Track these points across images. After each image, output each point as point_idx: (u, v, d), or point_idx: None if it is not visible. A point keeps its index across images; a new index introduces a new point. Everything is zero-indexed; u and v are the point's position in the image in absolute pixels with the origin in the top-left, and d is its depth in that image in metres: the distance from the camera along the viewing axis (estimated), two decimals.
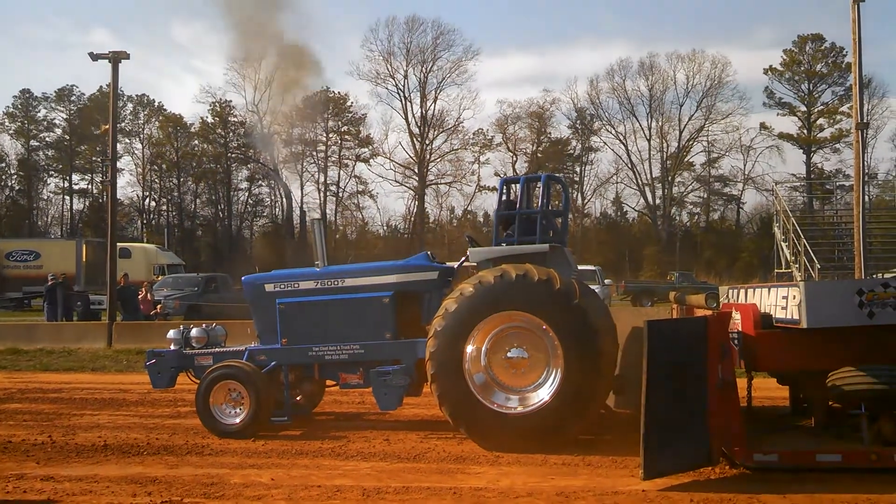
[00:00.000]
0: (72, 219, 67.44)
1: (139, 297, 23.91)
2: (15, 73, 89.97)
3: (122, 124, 62.50)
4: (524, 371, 7.74)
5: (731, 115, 62.06)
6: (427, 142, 63.34)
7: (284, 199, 65.61)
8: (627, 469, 6.85)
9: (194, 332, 9.41)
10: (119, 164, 55.04)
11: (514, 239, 8.30)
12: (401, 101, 63.53)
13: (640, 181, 64.27)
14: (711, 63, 62.23)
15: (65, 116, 67.37)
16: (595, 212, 67.16)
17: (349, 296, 8.73)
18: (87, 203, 68.46)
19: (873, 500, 5.85)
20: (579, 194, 63.90)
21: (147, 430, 9.08)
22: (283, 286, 9.04)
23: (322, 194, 64.83)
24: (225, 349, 9.31)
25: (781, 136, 62.37)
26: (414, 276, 8.69)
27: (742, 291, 7.76)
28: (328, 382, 9.32)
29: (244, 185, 68.27)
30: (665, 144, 63.89)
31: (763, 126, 62.62)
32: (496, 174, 61.85)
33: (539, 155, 63.98)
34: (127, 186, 65.62)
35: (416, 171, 63.21)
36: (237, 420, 8.54)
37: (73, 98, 67.13)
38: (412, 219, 64.41)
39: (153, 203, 68.77)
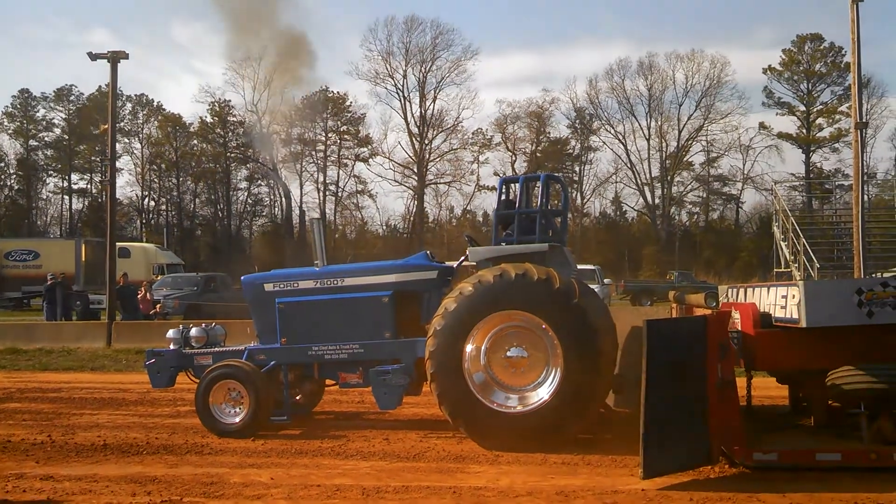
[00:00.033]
0: (71, 218, 67.41)
1: (138, 296, 23.90)
2: (14, 73, 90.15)
3: (122, 124, 62.52)
4: (524, 370, 7.75)
5: (731, 115, 62.19)
6: (426, 141, 63.37)
7: (284, 199, 65.69)
8: (627, 468, 6.85)
9: (194, 331, 9.41)
10: (118, 164, 55.37)
11: (514, 238, 8.30)
12: (400, 100, 63.64)
13: (639, 181, 64.37)
14: (710, 63, 62.35)
15: (64, 116, 67.36)
16: (594, 211, 67.30)
17: (348, 295, 8.73)
18: (86, 203, 68.47)
19: (873, 499, 5.85)
20: (578, 194, 63.95)
21: (146, 429, 9.07)
22: (282, 286, 9.04)
23: (321, 194, 64.91)
24: (224, 349, 9.31)
25: (780, 135, 62.45)
26: (413, 275, 8.69)
27: (741, 291, 7.77)
28: (328, 382, 9.32)
29: (243, 184, 68.36)
30: (664, 144, 64.00)
31: (762, 126, 62.74)
32: (495, 174, 61.98)
33: (538, 154, 63.99)
34: (126, 186, 65.77)
35: (416, 170, 63.23)
36: (237, 419, 8.54)
37: (72, 98, 67.14)
38: (411, 218, 64.44)
39: (152, 203, 68.83)
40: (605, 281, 33.28)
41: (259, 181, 67.27)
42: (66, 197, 68.08)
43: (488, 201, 61.86)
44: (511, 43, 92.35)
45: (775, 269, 25.24)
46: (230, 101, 64.83)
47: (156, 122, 67.73)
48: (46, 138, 67.71)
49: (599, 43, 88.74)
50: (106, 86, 28.96)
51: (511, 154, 64.21)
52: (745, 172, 63.29)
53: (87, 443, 8.32)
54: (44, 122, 67.49)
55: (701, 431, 6.33)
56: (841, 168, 60.53)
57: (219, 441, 8.32)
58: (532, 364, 7.72)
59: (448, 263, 9.14)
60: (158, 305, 24.71)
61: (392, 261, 9.11)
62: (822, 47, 61.65)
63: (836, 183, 58.33)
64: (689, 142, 63.60)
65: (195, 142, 67.61)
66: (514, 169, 62.00)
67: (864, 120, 24.06)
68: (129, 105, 66.36)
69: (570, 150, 66.28)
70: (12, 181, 67.41)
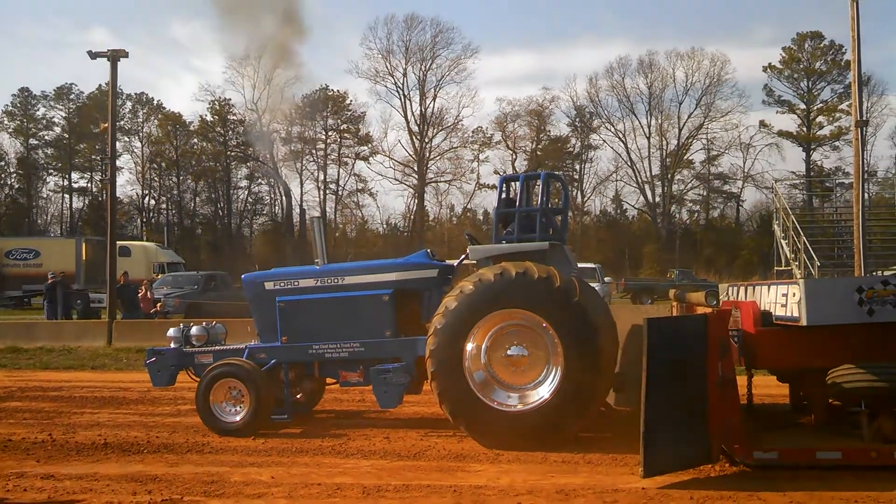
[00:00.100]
0: (71, 217, 67.43)
1: (139, 295, 23.90)
2: (14, 73, 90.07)
3: (122, 123, 62.51)
4: (524, 369, 7.74)
5: (731, 113, 62.20)
6: (426, 140, 63.37)
7: (284, 198, 65.70)
8: (627, 467, 6.85)
9: (194, 330, 9.41)
10: (118, 163, 55.30)
11: (514, 237, 8.30)
12: (400, 99, 63.66)
13: (639, 179, 64.36)
14: (711, 61, 62.33)
15: (64, 115, 67.36)
16: (595, 209, 67.27)
17: (349, 294, 8.73)
18: (86, 201, 68.48)
19: (873, 498, 5.85)
20: (579, 192, 63.94)
21: (147, 428, 9.08)
22: (282, 284, 9.04)
23: (321, 192, 64.92)
24: (225, 347, 9.31)
25: (781, 133, 62.45)
26: (414, 273, 8.68)
27: (742, 289, 7.76)
28: (328, 380, 9.32)
29: (244, 183, 68.38)
30: (664, 142, 63.98)
31: (762, 124, 62.73)
32: (496, 172, 61.94)
33: (538, 153, 63.99)
34: (126, 185, 65.81)
35: (416, 169, 63.23)
36: (237, 418, 8.54)
37: (72, 96, 67.16)
38: (412, 217, 64.44)
39: (153, 201, 68.85)
40: (606, 279, 33.30)
41: (259, 180, 67.33)
42: (67, 196, 68.14)
43: (489, 200, 61.96)
44: (511, 41, 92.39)
45: (776, 268, 25.22)
46: (230, 99, 64.96)
47: (156, 121, 67.77)
48: (47, 137, 67.75)
49: (600, 41, 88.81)
50: (106, 84, 28.95)
51: (511, 152, 64.30)
52: (746, 171, 63.40)
53: (88, 442, 8.32)
54: (44, 121, 67.54)
55: (701, 430, 6.32)
56: (841, 166, 60.62)
57: (219, 440, 8.32)
58: (532, 362, 7.72)
59: (448, 262, 9.14)
60: (159, 304, 24.71)
61: (392, 259, 9.11)
62: (822, 45, 61.63)
63: (837, 181, 58.33)
64: (690, 140, 63.63)
65: (195, 140, 67.63)
66: (514, 167, 62.05)
67: (864, 118, 24.04)
68: (129, 104, 66.40)
69: (571, 149, 66.28)
70: (13, 180, 67.46)
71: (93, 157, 66.06)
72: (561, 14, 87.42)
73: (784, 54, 62.70)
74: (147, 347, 9.74)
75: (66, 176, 67.66)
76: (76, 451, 7.91)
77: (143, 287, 24.61)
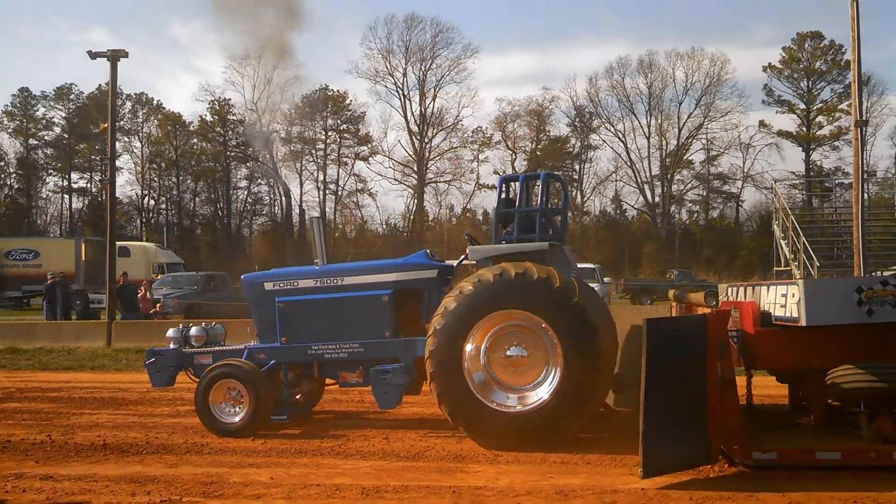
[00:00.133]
0: (71, 217, 67.42)
1: (138, 295, 23.89)
2: (14, 73, 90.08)
3: (121, 123, 62.52)
4: (523, 369, 7.74)
5: (731, 113, 62.18)
6: (426, 140, 63.37)
7: (283, 198, 65.70)
8: (627, 467, 6.85)
9: (193, 330, 9.40)
10: (118, 163, 55.35)
11: (514, 237, 8.29)
12: (400, 99, 63.67)
13: (639, 179, 64.37)
14: (710, 61, 62.33)
15: (63, 115, 67.37)
16: (594, 210, 67.27)
17: (348, 294, 8.73)
18: (86, 202, 68.47)
19: (873, 498, 5.85)
20: (578, 192, 63.93)
21: (146, 429, 9.07)
22: (282, 285, 9.04)
23: (321, 193, 64.91)
24: (224, 348, 9.31)
25: (780, 133, 62.44)
26: (413, 274, 8.68)
27: (741, 289, 7.76)
28: (327, 381, 9.32)
29: (243, 183, 68.39)
30: (664, 142, 63.98)
31: (762, 124, 62.72)
32: (495, 172, 61.95)
33: (538, 153, 63.99)
34: (126, 185, 65.82)
35: (416, 169, 63.23)
36: (236, 419, 8.54)
37: (71, 97, 67.16)
38: (411, 217, 64.44)
39: (152, 202, 68.85)
40: (605, 280, 33.32)
41: (259, 180, 67.34)
42: (66, 196, 68.14)
43: (488, 200, 61.96)
44: (511, 41, 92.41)
45: (775, 268, 25.23)
46: (230, 99, 64.97)
47: (155, 121, 67.78)
48: (46, 137, 67.75)
49: (599, 41, 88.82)
50: (106, 84, 28.96)
51: (511, 152, 64.30)
52: (745, 171, 63.40)
53: (87, 442, 8.32)
54: (44, 121, 67.55)
55: (700, 430, 6.32)
56: (841, 166, 60.62)
57: (218, 440, 8.31)
58: (532, 363, 7.71)
59: (448, 262, 9.14)
60: (158, 304, 24.72)
61: (392, 260, 9.10)
62: (822, 45, 61.64)
63: (836, 181, 58.32)
64: (689, 140, 63.63)
65: (195, 140, 67.64)
66: (514, 167, 62.05)
67: (864, 118, 24.06)
68: (128, 104, 66.42)
69: (570, 149, 66.28)
70: (12, 180, 67.46)
71: (92, 157, 66.05)
72: (561, 14, 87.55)
73: (784, 54, 62.74)
74: (146, 348, 9.73)
75: (66, 176, 67.69)
76: (75, 452, 7.91)
77: (142, 287, 24.61)
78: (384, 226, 66.64)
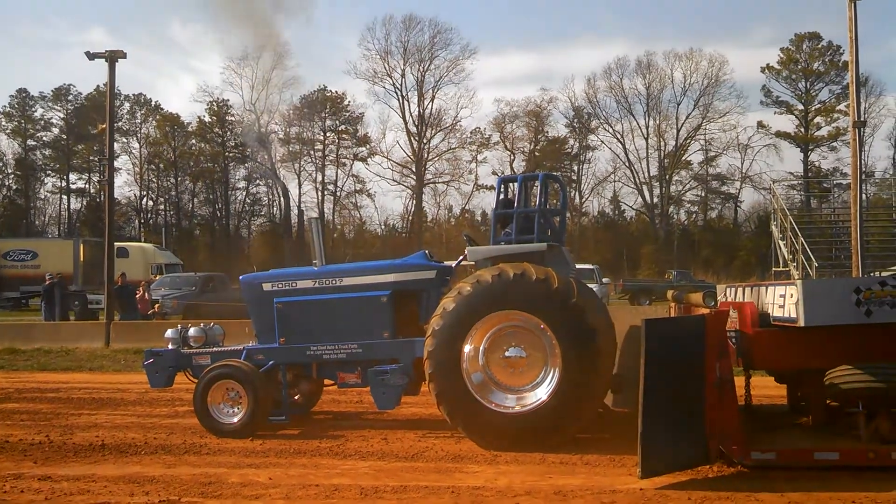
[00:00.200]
0: (69, 218, 67.34)
1: (137, 296, 23.87)
2: (13, 73, 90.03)
3: (119, 123, 62.46)
4: (522, 370, 7.74)
5: (729, 114, 62.13)
6: (424, 141, 63.35)
7: (282, 199, 65.56)
8: (625, 468, 6.86)
9: (192, 331, 9.40)
10: (116, 164, 55.33)
11: (512, 238, 8.30)
12: (398, 99, 63.62)
13: (637, 180, 64.36)
14: (709, 61, 62.32)
15: (62, 116, 67.25)
16: (593, 210, 67.24)
17: (347, 295, 8.73)
18: (84, 202, 68.39)
19: (871, 498, 5.85)
20: (577, 193, 63.92)
21: (145, 429, 9.07)
22: (280, 285, 9.04)
23: (320, 193, 64.86)
24: (223, 349, 9.31)
25: (779, 134, 62.44)
26: (412, 275, 8.68)
27: (740, 290, 7.77)
28: (326, 382, 9.31)
29: (242, 184, 68.28)
30: (662, 143, 63.98)
31: (760, 124, 62.70)
32: (494, 173, 61.96)
33: (537, 154, 63.98)
34: (124, 186, 65.67)
35: (414, 169, 63.22)
36: (235, 419, 8.54)
37: (69, 97, 67.04)
38: (410, 218, 64.42)
39: (150, 202, 68.76)
40: (604, 280, 33.30)
41: (257, 181, 67.29)
42: (65, 197, 68.07)
43: (487, 200, 61.93)
44: (509, 42, 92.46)
45: (773, 268, 25.27)
46: (228, 100, 64.94)
47: (154, 122, 67.69)
48: (44, 138, 67.62)
49: (598, 42, 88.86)
50: (104, 85, 28.95)
51: (509, 153, 64.27)
52: (744, 171, 63.35)
53: (86, 443, 8.31)
54: (42, 122, 67.44)
55: (699, 431, 6.33)
56: (839, 167, 60.62)
57: (217, 441, 8.31)
58: (530, 364, 7.72)
59: (446, 263, 9.14)
60: (157, 305, 24.69)
61: (390, 260, 9.11)
62: (820, 46, 61.65)
63: (835, 182, 58.21)
64: (688, 141, 63.62)
65: (193, 141, 67.55)
66: (512, 168, 62.03)
67: (862, 119, 24.09)
68: (127, 104, 66.36)
69: (569, 150, 66.27)
70: (10, 181, 67.36)
71: (91, 157, 66.03)
72: (560, 14, 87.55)
73: (782, 55, 62.76)
74: (145, 349, 9.73)
75: (64, 177, 67.60)
76: (74, 453, 7.91)
77: (140, 288, 24.59)
78: (383, 226, 66.71)
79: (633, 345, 7.70)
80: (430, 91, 63.11)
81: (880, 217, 32.69)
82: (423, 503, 6.07)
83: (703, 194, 65.33)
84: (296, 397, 9.35)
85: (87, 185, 68.25)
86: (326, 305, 8.74)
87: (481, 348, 7.80)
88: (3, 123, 66.42)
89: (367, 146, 64.88)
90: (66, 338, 19.71)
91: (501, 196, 8.81)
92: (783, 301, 6.49)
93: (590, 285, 9.11)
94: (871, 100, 58.41)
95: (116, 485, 6.65)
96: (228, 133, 66.05)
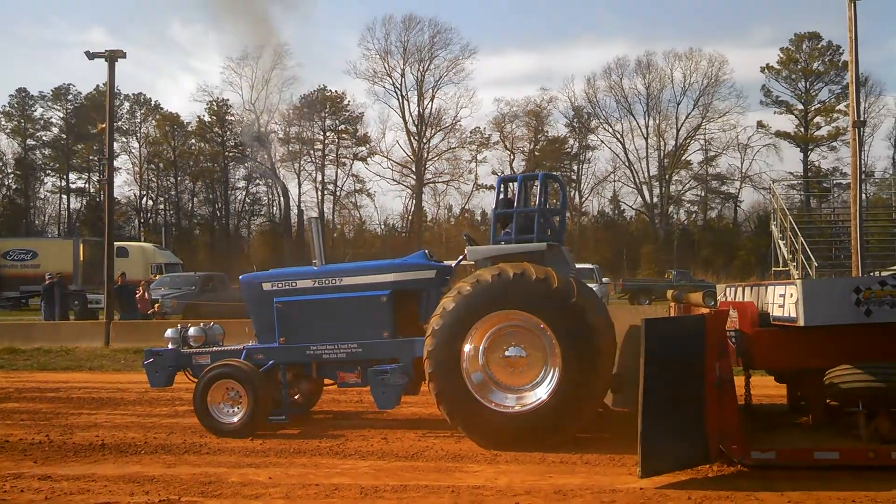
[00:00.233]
0: (69, 218, 67.33)
1: (137, 296, 23.87)
2: (14, 73, 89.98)
3: (119, 123, 62.43)
4: (522, 370, 7.74)
5: (729, 114, 62.13)
6: (424, 140, 63.34)
7: (282, 198, 65.57)
8: (625, 467, 6.86)
9: (192, 331, 9.40)
10: (116, 163, 55.22)
11: (512, 237, 8.30)
12: (398, 99, 63.61)
13: (637, 179, 64.35)
14: (708, 61, 62.31)
15: (61, 115, 67.23)
16: (592, 210, 67.23)
17: (347, 294, 8.72)
18: (84, 202, 68.38)
19: (871, 498, 5.86)
20: (577, 193, 63.91)
21: (145, 429, 9.07)
22: (280, 285, 9.03)
23: (319, 193, 64.84)
24: (223, 348, 9.30)
25: (778, 134, 62.42)
26: (411, 274, 8.68)
27: (739, 289, 7.77)
28: (326, 381, 9.31)
29: (241, 183, 68.27)
30: (662, 143, 63.97)
31: (760, 124, 62.69)
32: (493, 173, 61.94)
33: (536, 153, 63.97)
34: (124, 185, 65.66)
35: (414, 169, 63.21)
36: (235, 419, 8.54)
37: (69, 97, 67.02)
38: (410, 217, 64.42)
39: (150, 202, 68.75)
40: (604, 280, 33.31)
41: (257, 180, 67.28)
42: (64, 196, 68.05)
43: (486, 200, 61.93)
44: (509, 42, 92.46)
45: (773, 268, 25.26)
46: (228, 100, 64.94)
47: (154, 122, 67.67)
48: (44, 137, 67.59)
49: (598, 42, 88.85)
50: (104, 85, 28.95)
51: (509, 153, 64.26)
52: (744, 171, 63.35)
53: (85, 442, 8.31)
54: (41, 122, 67.41)
55: (699, 430, 6.33)
56: (839, 167, 60.62)
57: (217, 440, 8.31)
58: (530, 363, 7.72)
59: (446, 262, 9.14)
60: (157, 305, 24.69)
61: (390, 260, 9.11)
62: (819, 46, 61.65)
63: (834, 181, 58.23)
64: (688, 140, 63.62)
65: (193, 141, 67.54)
66: (512, 168, 62.02)
67: (861, 118, 24.10)
68: (126, 104, 66.33)
69: (569, 149, 66.25)
70: (10, 180, 67.35)
71: (90, 157, 66.01)
72: (559, 14, 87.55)
73: (782, 55, 62.75)
74: (145, 348, 9.73)
75: (64, 176, 67.58)
76: (73, 452, 7.91)
77: (140, 288, 24.58)
78: (382, 226, 66.69)
79: (632, 344, 7.70)
80: (430, 91, 63.19)
81: (880, 217, 32.68)
82: (422, 502, 6.07)
83: (702, 194, 65.34)
84: (296, 397, 9.35)
85: (86, 185, 68.31)
86: (326, 305, 8.74)
87: (481, 348, 7.80)
88: (3, 123, 66.46)
89: (367, 146, 64.95)
90: (65, 337, 19.70)
91: (501, 196, 8.81)
92: (783, 301, 6.50)
93: (589, 285, 9.12)
94: (870, 100, 58.46)
95: (116, 484, 6.65)
96: (228, 133, 66.07)
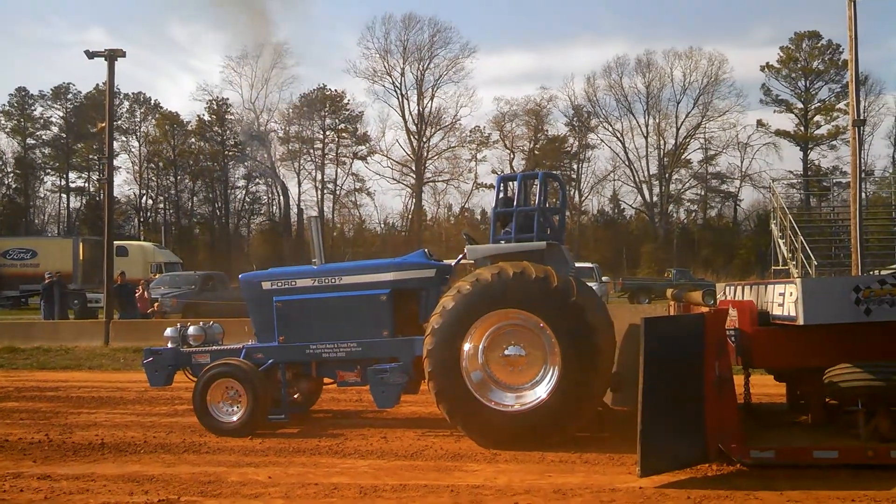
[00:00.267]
0: (69, 217, 67.35)
1: (136, 295, 23.86)
2: (14, 72, 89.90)
3: (119, 122, 62.43)
4: (521, 369, 7.74)
5: (728, 113, 62.22)
6: (424, 139, 63.36)
7: (281, 197, 65.62)
8: (625, 466, 6.85)
9: (191, 330, 9.40)
10: (116, 162, 55.17)
11: (512, 236, 8.29)
12: (398, 98, 63.63)
13: (637, 178, 64.39)
14: (708, 60, 62.40)
15: (61, 114, 67.25)
16: (592, 209, 67.27)
17: (346, 293, 8.72)
18: (83, 201, 68.40)
19: (870, 497, 5.85)
20: (576, 191, 63.95)
21: (144, 428, 9.07)
22: (280, 284, 9.03)
23: (319, 192, 64.87)
24: (222, 347, 9.30)
25: (778, 133, 62.47)
26: (411, 273, 8.68)
27: (739, 288, 7.77)
28: (326, 380, 9.31)
29: (241, 182, 68.30)
30: (662, 142, 64.03)
31: (760, 123, 62.77)
32: (493, 172, 61.96)
33: (536, 152, 63.99)
34: (124, 184, 65.73)
35: (414, 168, 63.22)
36: (234, 418, 8.54)
37: (69, 96, 67.05)
38: (409, 216, 64.45)
39: (150, 201, 68.77)
40: (604, 279, 33.34)
41: (257, 179, 67.29)
42: (64, 195, 68.08)
43: (486, 199, 61.97)
44: (509, 41, 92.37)
45: (773, 267, 25.27)
46: (228, 98, 64.94)
47: (153, 121, 67.68)
48: (44, 137, 67.61)
49: (597, 41, 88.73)
50: (103, 84, 28.94)
51: (509, 152, 64.31)
52: (743, 170, 63.43)
53: (85, 442, 8.31)
54: (41, 121, 67.41)
55: (698, 429, 6.33)
56: (839, 165, 60.68)
57: (216, 440, 8.31)
58: (530, 362, 7.72)
59: (446, 261, 9.13)
60: (156, 304, 24.68)
61: (390, 259, 9.10)
62: (819, 45, 61.69)
63: (834, 180, 58.17)
64: (687, 139, 63.69)
65: (193, 140, 67.55)
66: (512, 167, 62.05)
67: (861, 117, 24.09)
68: (126, 103, 66.35)
69: (568, 148, 66.28)
70: (10, 180, 67.35)
71: (90, 156, 66.00)
72: (559, 14, 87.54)
73: (782, 54, 62.79)
74: (144, 347, 9.73)
75: (64, 176, 67.60)
76: (73, 452, 7.90)
77: (140, 287, 24.57)
78: (382, 225, 66.73)
79: (632, 343, 7.70)
80: (430, 90, 63.26)
81: (880, 215, 32.72)
82: (422, 502, 6.06)
83: (702, 193, 65.37)
84: (295, 396, 9.34)
85: (86, 184, 68.31)
86: (326, 304, 8.74)
87: (481, 347, 7.80)
88: (3, 122, 66.48)
89: (367, 145, 65.02)
90: (65, 336, 19.70)
91: (501, 195, 8.80)
92: (782, 299, 6.50)
93: (589, 284, 9.12)
94: (870, 98, 58.50)
95: (116, 484, 6.65)
96: (228, 132, 66.06)
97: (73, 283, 32.00)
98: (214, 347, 9.27)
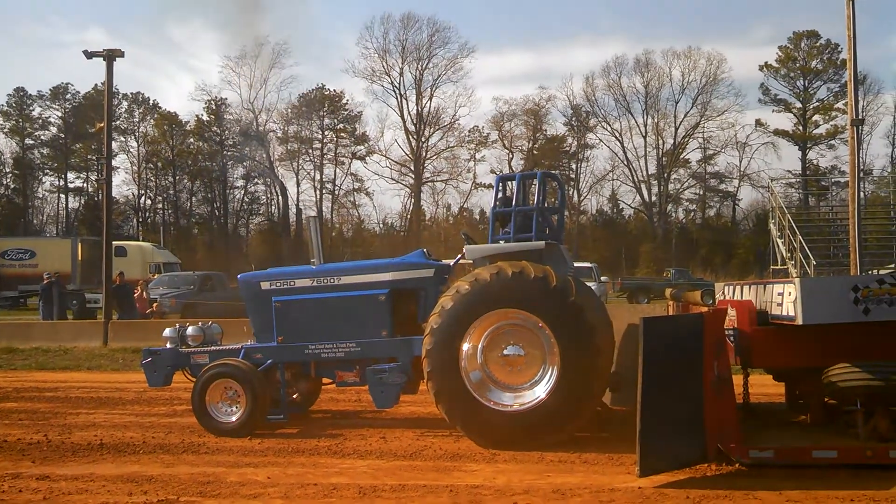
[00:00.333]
0: (67, 217, 67.32)
1: (135, 295, 23.85)
2: (13, 72, 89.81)
3: (117, 122, 62.37)
4: (520, 368, 7.74)
5: (727, 112, 62.25)
6: (423, 139, 63.35)
7: (280, 197, 65.59)
8: (624, 466, 6.85)
9: (190, 330, 9.39)
10: (114, 163, 55.19)
11: (510, 236, 8.29)
12: (396, 98, 63.61)
13: (635, 178, 64.41)
14: (707, 60, 62.42)
15: (60, 114, 67.22)
16: (591, 209, 67.32)
17: (345, 293, 8.72)
18: (82, 201, 68.37)
19: (869, 496, 5.86)
20: (575, 191, 63.95)
21: (143, 428, 9.06)
22: (278, 284, 9.03)
23: (318, 192, 64.84)
24: (221, 347, 9.29)
25: (777, 132, 62.52)
26: (410, 273, 8.68)
27: (738, 288, 7.78)
28: (324, 380, 9.31)
29: (240, 182, 68.28)
30: (661, 141, 64.04)
31: (758, 123, 62.81)
32: (492, 171, 61.97)
33: (535, 152, 64.00)
34: (122, 185, 65.68)
35: (412, 168, 63.21)
36: (233, 418, 8.53)
37: (67, 96, 67.01)
38: (408, 216, 64.44)
39: (149, 201, 68.72)
40: (602, 278, 33.33)
41: (256, 179, 67.28)
42: (63, 195, 68.04)
43: (485, 199, 61.93)
44: (508, 40, 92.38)
45: (772, 267, 25.27)
46: (226, 98, 64.91)
47: (152, 121, 67.64)
48: (42, 137, 67.61)
49: (596, 40, 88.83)
50: (102, 84, 28.92)
51: (508, 151, 64.31)
52: (742, 169, 63.47)
53: (84, 442, 8.30)
54: (40, 121, 67.37)
55: (697, 429, 6.33)
56: (837, 165, 60.77)
57: (215, 440, 8.31)
58: (529, 362, 7.71)
59: (445, 261, 9.14)
60: (155, 304, 24.67)
61: (389, 259, 9.10)
62: (818, 44, 61.73)
63: (833, 180, 58.41)
64: (686, 139, 63.72)
65: (191, 140, 67.53)
66: (510, 166, 62.03)
67: (860, 117, 24.07)
68: (125, 103, 66.29)
69: (567, 148, 66.31)
70: (8, 180, 67.30)
71: (89, 156, 65.88)
72: (558, 13, 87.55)
73: (780, 53, 62.82)
74: (143, 348, 9.72)
75: (62, 176, 67.57)
76: (72, 452, 7.90)
77: (139, 287, 24.56)
78: (381, 225, 66.72)
79: (631, 343, 7.70)
80: (429, 89, 63.24)
81: (878, 215, 32.74)
82: (421, 502, 6.06)
83: (701, 192, 65.41)
84: (294, 396, 9.33)
85: (85, 184, 68.30)
86: (325, 304, 8.74)
87: (480, 347, 7.80)
88: (1, 122, 66.47)
89: (366, 145, 64.99)
90: (64, 337, 19.68)
91: (500, 194, 8.80)
92: (781, 299, 6.50)
93: (588, 283, 9.12)
94: (869, 98, 58.49)
95: (115, 484, 6.64)
96: (227, 132, 66.05)
97: (71, 284, 31.97)
98: (213, 348, 9.27)
